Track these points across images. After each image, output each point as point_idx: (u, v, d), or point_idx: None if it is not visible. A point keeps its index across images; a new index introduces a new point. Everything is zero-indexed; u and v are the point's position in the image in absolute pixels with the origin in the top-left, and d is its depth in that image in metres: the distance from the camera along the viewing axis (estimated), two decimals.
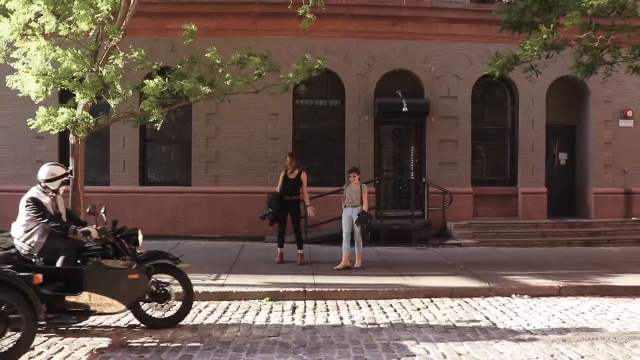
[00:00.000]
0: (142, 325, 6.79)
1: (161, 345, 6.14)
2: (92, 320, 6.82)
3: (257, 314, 7.59)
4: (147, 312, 6.76)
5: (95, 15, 8.86)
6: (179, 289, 6.84)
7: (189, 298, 6.88)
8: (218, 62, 9.88)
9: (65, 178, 6.62)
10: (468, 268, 10.28)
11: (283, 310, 7.75)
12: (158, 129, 9.79)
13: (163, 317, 6.80)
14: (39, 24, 8.83)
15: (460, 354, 5.94)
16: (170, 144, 15.26)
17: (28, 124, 9.51)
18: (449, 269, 10.35)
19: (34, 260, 6.27)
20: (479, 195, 14.85)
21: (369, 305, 8.11)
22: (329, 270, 9.97)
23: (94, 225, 6.49)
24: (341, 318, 7.41)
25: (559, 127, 15.65)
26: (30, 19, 8.76)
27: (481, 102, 15.48)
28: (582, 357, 5.89)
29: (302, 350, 6.03)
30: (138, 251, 6.76)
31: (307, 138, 15.20)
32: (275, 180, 14.27)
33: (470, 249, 12.94)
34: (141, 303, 6.66)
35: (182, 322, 6.89)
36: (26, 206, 6.34)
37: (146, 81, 9.19)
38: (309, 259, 10.94)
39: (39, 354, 5.81)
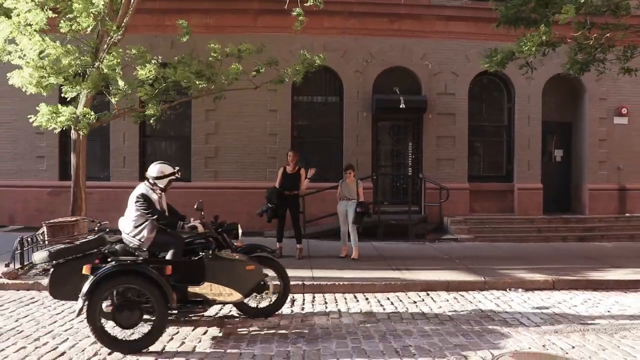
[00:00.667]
0: (239, 315, 7.09)
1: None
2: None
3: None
4: (247, 302, 6.97)
5: (92, 10, 8.97)
6: (276, 280, 7.05)
7: (285, 289, 7.11)
8: (215, 54, 10.00)
9: (173, 177, 6.74)
10: (464, 262, 10.44)
11: None
12: (152, 122, 9.90)
13: (261, 307, 7.03)
14: (34, 21, 8.94)
15: (455, 345, 6.11)
16: (170, 140, 15.38)
17: (30, 120, 9.65)
18: (445, 263, 10.50)
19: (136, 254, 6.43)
20: (475, 191, 15.02)
21: (367, 299, 8.27)
22: (327, 264, 10.13)
23: (198, 220, 6.65)
24: (339, 310, 7.57)
25: (555, 124, 15.82)
26: (27, 17, 8.88)
27: (478, 99, 15.63)
28: (573, 347, 6.06)
29: (301, 340, 6.19)
30: (236, 244, 7.00)
31: (305, 134, 15.34)
32: (274, 175, 14.47)
33: (467, 244, 13.10)
34: None
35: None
36: (136, 202, 6.47)
37: (139, 67, 9.29)
38: (307, 253, 11.10)
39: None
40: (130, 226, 6.45)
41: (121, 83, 9.25)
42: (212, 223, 6.83)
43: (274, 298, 7.04)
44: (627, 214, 15.22)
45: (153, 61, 9.81)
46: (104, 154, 14.71)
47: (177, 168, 6.87)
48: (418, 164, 15.18)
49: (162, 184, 6.67)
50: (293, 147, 14.72)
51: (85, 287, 5.61)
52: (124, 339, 5.79)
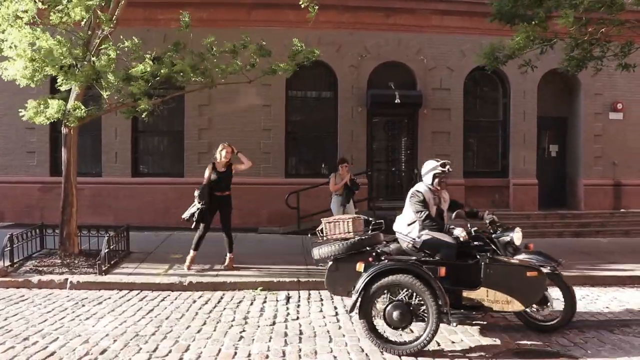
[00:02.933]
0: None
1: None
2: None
3: (251, 303, 7.63)
4: (529, 314, 6.42)
5: (88, 3, 8.80)
6: (558, 293, 6.39)
7: (571, 304, 6.34)
8: (212, 50, 9.85)
9: (436, 171, 6.45)
10: None
11: (277, 300, 7.78)
12: (144, 117, 9.74)
13: (545, 321, 6.41)
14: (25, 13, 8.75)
15: (454, 342, 6.02)
16: (163, 135, 15.20)
17: (20, 114, 9.46)
18: None
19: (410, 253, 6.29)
20: (470, 186, 14.94)
21: None
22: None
23: (461, 229, 6.12)
24: (335, 307, 7.45)
25: (550, 120, 15.75)
26: (17, 8, 8.69)
27: (473, 94, 15.54)
28: (574, 344, 5.98)
29: (297, 339, 6.08)
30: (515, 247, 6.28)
31: (300, 129, 15.21)
32: (268, 171, 14.38)
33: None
34: None
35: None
36: (410, 197, 6.41)
37: (133, 64, 9.12)
38: (302, 249, 10.96)
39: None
40: (404, 225, 6.40)
41: (112, 77, 9.05)
42: (487, 228, 6.40)
43: (556, 313, 6.38)
44: (622, 210, 15.18)
45: (147, 56, 9.65)
46: (95, 149, 14.52)
47: (442, 161, 6.52)
48: (413, 159, 15.08)
49: (427, 180, 6.52)
50: (287, 142, 14.67)
51: (359, 284, 5.67)
52: (395, 340, 5.72)
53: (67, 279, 8.42)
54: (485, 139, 15.81)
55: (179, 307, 7.40)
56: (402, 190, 14.51)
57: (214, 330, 6.35)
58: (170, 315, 6.99)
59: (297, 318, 6.93)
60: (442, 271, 5.75)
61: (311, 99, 15.35)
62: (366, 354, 5.63)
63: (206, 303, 7.63)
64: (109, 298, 7.82)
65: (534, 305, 6.20)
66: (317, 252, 6.23)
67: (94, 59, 9.13)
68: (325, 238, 6.29)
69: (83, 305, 7.38)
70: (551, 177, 15.78)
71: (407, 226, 6.39)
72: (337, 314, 7.14)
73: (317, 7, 9.82)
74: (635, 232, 14.32)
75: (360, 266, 5.83)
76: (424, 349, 5.56)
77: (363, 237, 6.15)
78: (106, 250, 9.02)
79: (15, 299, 7.66)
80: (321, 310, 7.30)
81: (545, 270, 6.06)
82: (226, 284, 8.48)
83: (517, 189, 15.11)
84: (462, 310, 5.80)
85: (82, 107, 9.37)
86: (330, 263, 6.14)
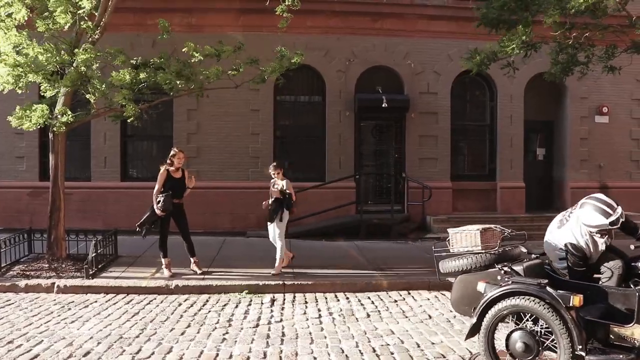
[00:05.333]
0: None
1: None
2: None
3: (236, 306, 7.70)
4: None
5: (73, 10, 8.85)
6: None
7: None
8: (197, 54, 9.87)
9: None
10: None
11: (262, 303, 7.85)
12: (131, 121, 9.79)
13: None
14: (11, 17, 8.79)
15: (434, 343, 6.11)
16: (152, 140, 15.23)
17: (8, 120, 9.49)
18: (427, 262, 10.43)
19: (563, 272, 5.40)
20: (458, 190, 15.06)
21: (347, 298, 8.25)
22: (308, 263, 10.04)
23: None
24: (319, 310, 7.54)
25: (537, 123, 15.88)
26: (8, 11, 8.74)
27: (460, 98, 15.65)
28: None
29: (279, 340, 6.16)
30: None
31: (288, 134, 15.27)
32: (257, 175, 14.43)
33: None
34: None
35: None
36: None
37: (113, 73, 9.13)
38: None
39: None
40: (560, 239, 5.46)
41: (97, 82, 9.11)
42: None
43: None
44: None
45: (133, 61, 9.70)
46: (84, 154, 14.53)
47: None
48: (401, 163, 15.17)
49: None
50: (275, 147, 14.73)
51: (479, 305, 4.94)
52: None
53: (54, 283, 8.47)
54: (473, 143, 15.92)
55: (164, 310, 7.47)
56: (390, 194, 14.62)
57: (198, 333, 6.42)
58: (155, 318, 7.06)
59: (281, 320, 7.01)
60: (578, 300, 4.59)
61: (299, 104, 15.42)
62: (346, 355, 5.71)
63: (191, 306, 7.70)
64: (96, 302, 7.88)
65: None
66: (442, 267, 5.70)
67: (79, 62, 9.16)
68: (451, 251, 5.72)
69: (69, 309, 7.44)
70: (538, 180, 15.90)
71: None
72: (320, 316, 7.23)
73: (291, 15, 9.88)
74: (622, 234, 14.38)
75: (481, 285, 5.07)
76: None
77: (493, 253, 5.40)
78: (93, 254, 9.07)
79: (1, 304, 7.70)
80: (305, 313, 7.38)
81: None
82: (212, 287, 8.55)
83: (504, 192, 15.22)
84: (605, 349, 4.81)
85: (69, 112, 9.40)
86: (455, 280, 5.55)
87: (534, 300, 4.68)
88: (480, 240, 5.46)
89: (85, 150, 14.52)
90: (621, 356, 4.66)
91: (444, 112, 15.03)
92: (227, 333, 6.41)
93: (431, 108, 14.96)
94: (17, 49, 8.83)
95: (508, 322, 4.95)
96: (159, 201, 9.01)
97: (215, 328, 6.61)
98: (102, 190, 14.33)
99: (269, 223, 9.59)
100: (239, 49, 10.08)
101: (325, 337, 6.30)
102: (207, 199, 13.95)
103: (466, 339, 5.17)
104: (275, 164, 9.85)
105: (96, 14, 9.45)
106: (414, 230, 14.21)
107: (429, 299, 8.21)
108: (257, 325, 6.74)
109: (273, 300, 8.00)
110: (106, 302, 7.90)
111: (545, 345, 4.68)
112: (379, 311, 7.50)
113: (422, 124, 14.94)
